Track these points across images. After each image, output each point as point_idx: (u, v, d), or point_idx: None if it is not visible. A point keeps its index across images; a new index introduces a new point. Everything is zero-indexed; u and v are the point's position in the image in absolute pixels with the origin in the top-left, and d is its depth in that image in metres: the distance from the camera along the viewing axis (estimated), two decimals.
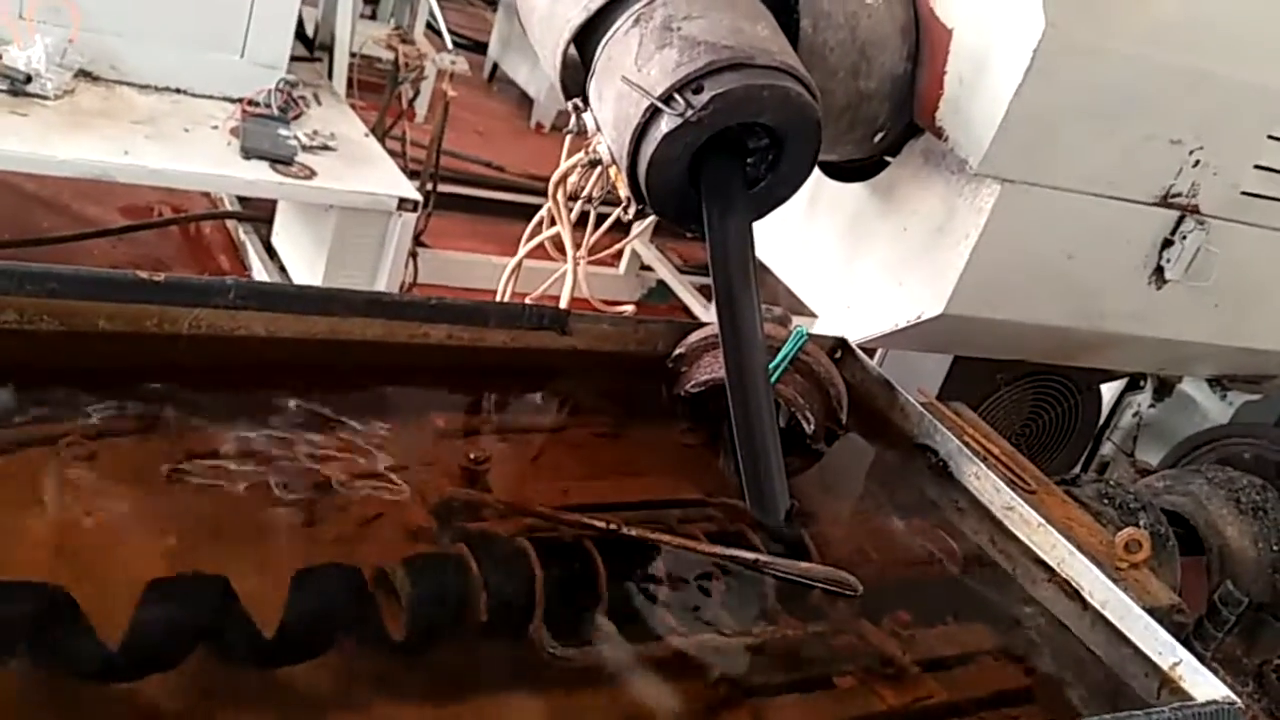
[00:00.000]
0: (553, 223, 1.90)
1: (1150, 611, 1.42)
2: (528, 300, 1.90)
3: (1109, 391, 2.97)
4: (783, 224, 2.09)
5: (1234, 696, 1.30)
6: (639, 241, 4.55)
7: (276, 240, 3.66)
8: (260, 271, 3.63)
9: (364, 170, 3.04)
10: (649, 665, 1.19)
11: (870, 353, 2.01)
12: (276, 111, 3.02)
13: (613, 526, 1.29)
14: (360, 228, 3.05)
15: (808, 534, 1.44)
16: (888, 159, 2.02)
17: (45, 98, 2.69)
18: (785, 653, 1.29)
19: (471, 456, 1.34)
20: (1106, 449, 3.14)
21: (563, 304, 1.83)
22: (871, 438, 1.73)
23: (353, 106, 3.46)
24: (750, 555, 1.35)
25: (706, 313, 4.39)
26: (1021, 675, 1.39)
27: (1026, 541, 1.55)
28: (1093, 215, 1.93)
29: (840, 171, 2.10)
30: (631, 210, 1.65)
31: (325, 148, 3.02)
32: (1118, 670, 1.40)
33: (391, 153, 3.30)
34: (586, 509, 1.32)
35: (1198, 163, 1.94)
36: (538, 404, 1.61)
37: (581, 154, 1.70)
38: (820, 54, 1.77)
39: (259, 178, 2.82)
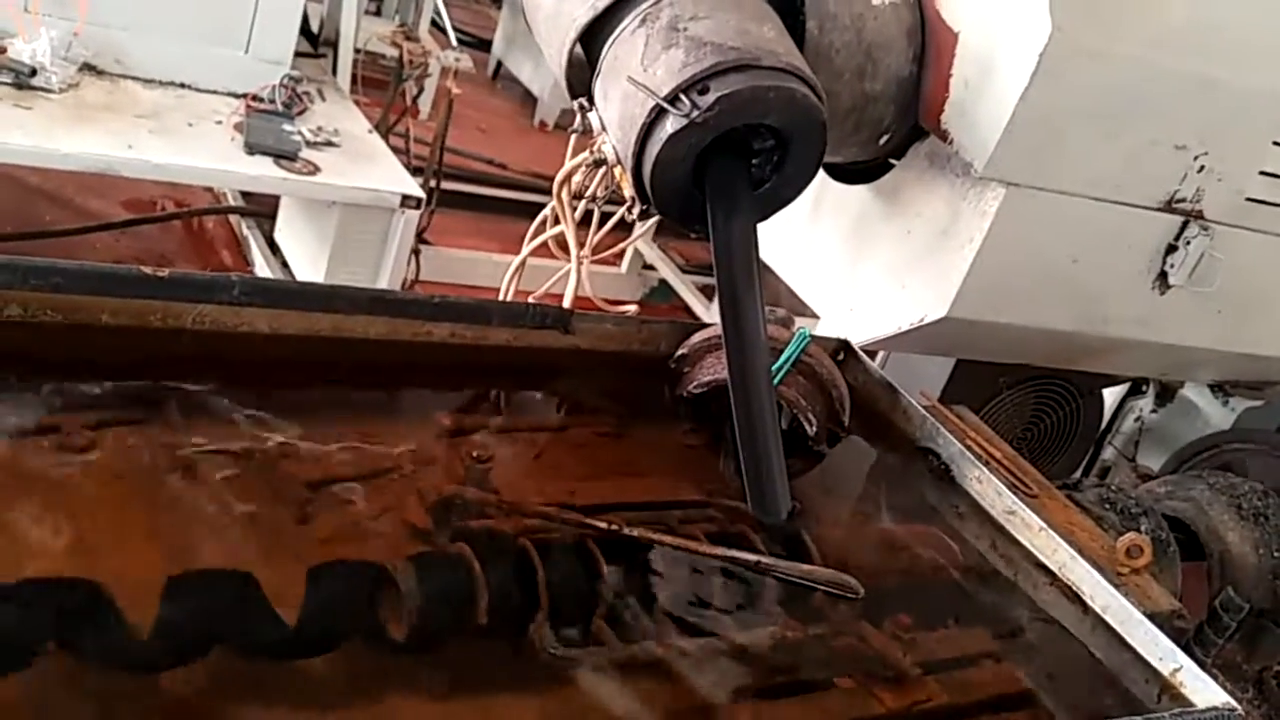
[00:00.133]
0: (556, 221, 1.90)
1: (1151, 617, 1.42)
2: (531, 299, 1.90)
3: (1111, 396, 2.97)
4: (786, 225, 2.09)
5: (1234, 703, 1.30)
6: (641, 240, 4.55)
7: (279, 236, 3.66)
8: (263, 267, 3.63)
9: (367, 167, 3.04)
10: (649, 666, 1.19)
11: (872, 355, 2.01)
12: (281, 107, 3.02)
13: (614, 527, 1.29)
14: (363, 224, 3.05)
15: (809, 536, 1.44)
16: (892, 161, 2.01)
17: (50, 91, 2.69)
18: (786, 655, 1.29)
19: (474, 455, 1.34)
20: (1108, 453, 3.13)
21: (566, 303, 1.83)
22: (873, 440, 1.73)
23: (357, 103, 3.45)
24: (751, 557, 1.35)
25: (708, 312, 4.39)
26: (1022, 679, 1.39)
27: (1028, 546, 1.55)
28: (1097, 220, 1.93)
29: (845, 173, 2.09)
30: (636, 210, 1.65)
31: (329, 144, 3.02)
32: (1118, 675, 1.40)
33: (395, 149, 3.30)
34: (588, 509, 1.32)
35: (1203, 168, 1.94)
36: (540, 403, 1.61)
37: (586, 153, 1.70)
38: (826, 56, 1.77)
39: (262, 173, 2.81)
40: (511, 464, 1.43)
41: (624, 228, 2.03)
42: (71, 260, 1.26)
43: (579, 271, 1.90)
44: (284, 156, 2.85)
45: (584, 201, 1.83)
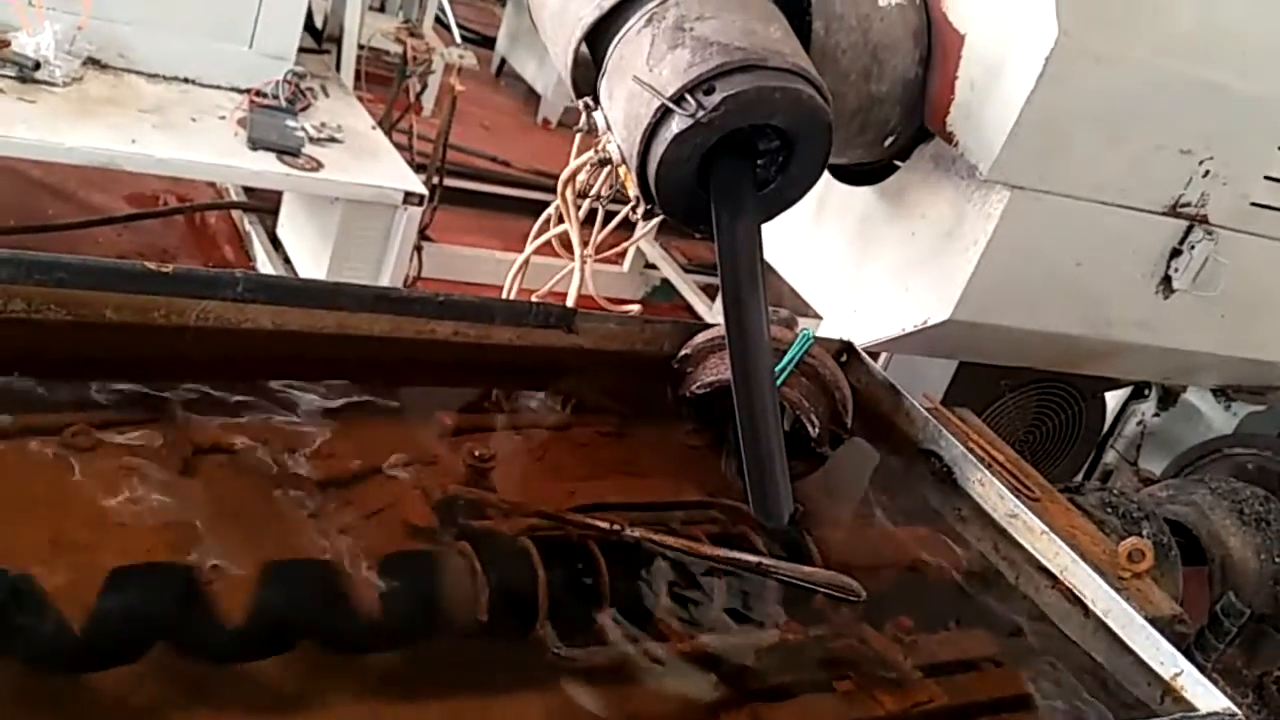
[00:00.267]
0: (560, 220, 1.90)
1: (1152, 621, 1.42)
2: (534, 298, 1.90)
3: (1113, 399, 2.97)
4: (791, 226, 2.08)
5: (1235, 709, 1.30)
6: (643, 239, 4.54)
7: (282, 231, 3.66)
8: (265, 262, 3.62)
9: (370, 163, 3.04)
10: (651, 667, 1.19)
11: (875, 356, 2.01)
12: (284, 103, 3.02)
13: (616, 527, 1.29)
14: (365, 221, 3.05)
15: (811, 538, 1.44)
16: (897, 163, 2.01)
17: (53, 85, 2.69)
18: (786, 656, 1.28)
19: (476, 454, 1.34)
20: (1110, 457, 3.13)
21: (569, 302, 1.83)
22: (876, 442, 1.73)
23: (360, 99, 3.45)
24: (753, 558, 1.35)
25: (710, 311, 4.39)
26: (1022, 683, 1.39)
27: (1030, 549, 1.55)
28: (1101, 223, 1.93)
29: (849, 175, 2.09)
30: (640, 210, 1.65)
31: (332, 140, 3.02)
32: (1119, 679, 1.40)
33: (398, 146, 3.30)
34: (590, 509, 1.32)
35: (1208, 173, 1.93)
36: (543, 402, 1.61)
37: (591, 153, 1.70)
38: (832, 57, 1.77)
39: (265, 169, 2.81)
40: (514, 463, 1.43)
41: (627, 226, 2.03)
42: (74, 255, 1.26)
43: (582, 271, 1.89)
44: (287, 152, 2.85)
45: (588, 200, 1.83)
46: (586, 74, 1.68)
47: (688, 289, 4.70)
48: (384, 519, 1.23)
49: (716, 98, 1.49)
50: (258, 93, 3.00)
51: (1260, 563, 2.17)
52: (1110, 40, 1.76)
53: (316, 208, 3.26)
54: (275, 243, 3.67)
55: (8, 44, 2.66)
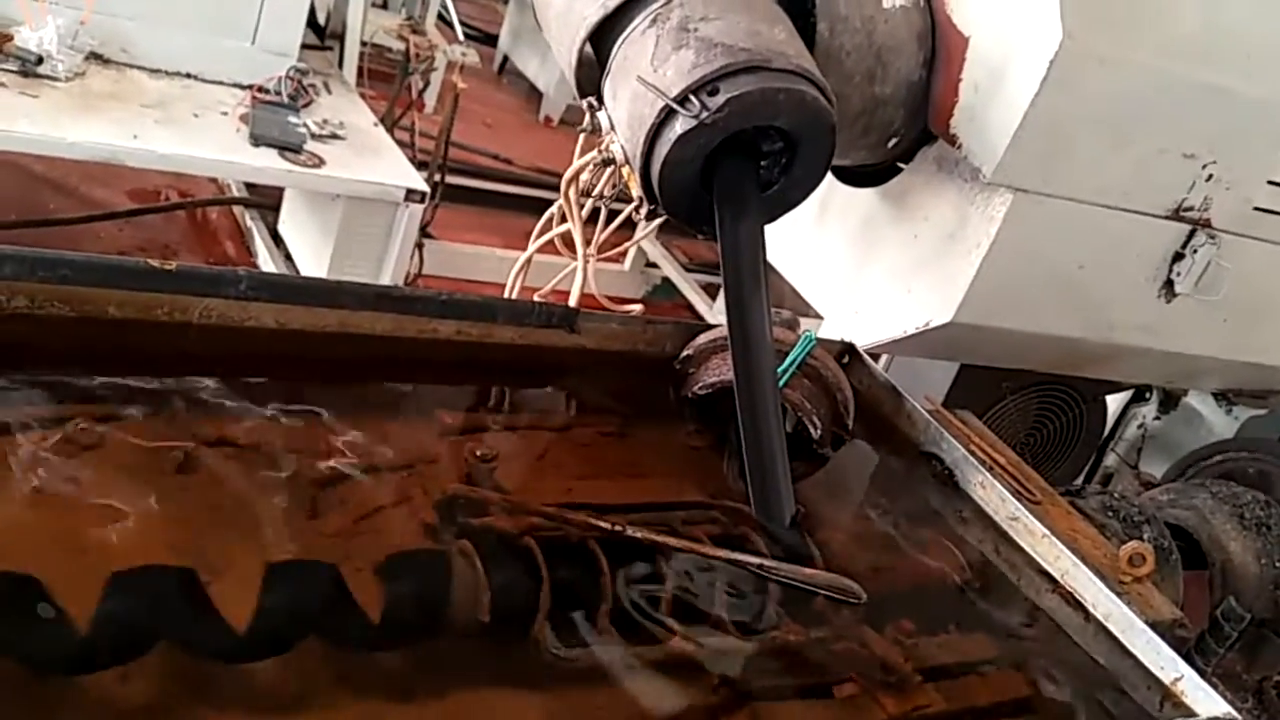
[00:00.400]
0: (563, 219, 1.90)
1: (1153, 626, 1.42)
2: (537, 296, 1.90)
3: (1114, 403, 2.97)
4: (793, 227, 2.08)
5: (1235, 713, 1.30)
6: (645, 238, 4.54)
7: (283, 228, 3.66)
8: (266, 259, 3.62)
9: (372, 160, 3.04)
10: (651, 667, 1.19)
11: (876, 358, 2.00)
12: (286, 99, 3.01)
13: (617, 527, 1.29)
14: (367, 217, 3.04)
15: (812, 539, 1.43)
16: (900, 165, 2.01)
17: (56, 79, 2.68)
18: (787, 658, 1.28)
19: (478, 453, 1.34)
20: (1110, 460, 3.13)
21: (572, 302, 1.83)
22: (877, 444, 1.73)
23: (362, 96, 3.45)
24: (754, 560, 1.35)
25: (710, 310, 4.39)
26: (1023, 686, 1.39)
27: (1030, 552, 1.55)
28: (1104, 227, 1.93)
29: (852, 176, 2.09)
30: (644, 210, 1.65)
31: (334, 136, 3.02)
32: (1119, 683, 1.40)
33: (400, 143, 3.29)
34: (591, 508, 1.32)
35: (1211, 177, 1.93)
36: (545, 402, 1.61)
37: (595, 153, 1.70)
38: (836, 58, 1.77)
39: (267, 165, 2.81)
40: (515, 462, 1.43)
41: (629, 225, 2.03)
42: (78, 252, 1.26)
43: (585, 270, 1.89)
44: (289, 148, 2.85)
45: (591, 200, 1.82)
46: (590, 74, 1.68)
47: (688, 288, 4.70)
48: (385, 518, 1.23)
49: (721, 99, 1.49)
50: (260, 89, 2.99)
51: (1261, 567, 2.17)
52: (1115, 43, 1.76)
53: (318, 204, 3.26)
54: (277, 239, 3.67)
55: (11, 38, 2.66)
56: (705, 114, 1.49)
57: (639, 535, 1.30)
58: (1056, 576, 1.51)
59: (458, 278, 4.15)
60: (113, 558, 1.03)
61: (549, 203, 1.94)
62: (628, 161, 1.61)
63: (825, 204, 2.17)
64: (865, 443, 1.71)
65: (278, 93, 3.01)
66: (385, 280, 3.08)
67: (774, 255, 1.99)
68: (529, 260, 1.98)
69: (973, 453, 1.67)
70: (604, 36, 1.63)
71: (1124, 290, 2.04)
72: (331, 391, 1.41)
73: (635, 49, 1.58)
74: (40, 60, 2.66)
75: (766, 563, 1.35)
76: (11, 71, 2.63)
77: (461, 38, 4.23)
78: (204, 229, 4.11)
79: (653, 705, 1.17)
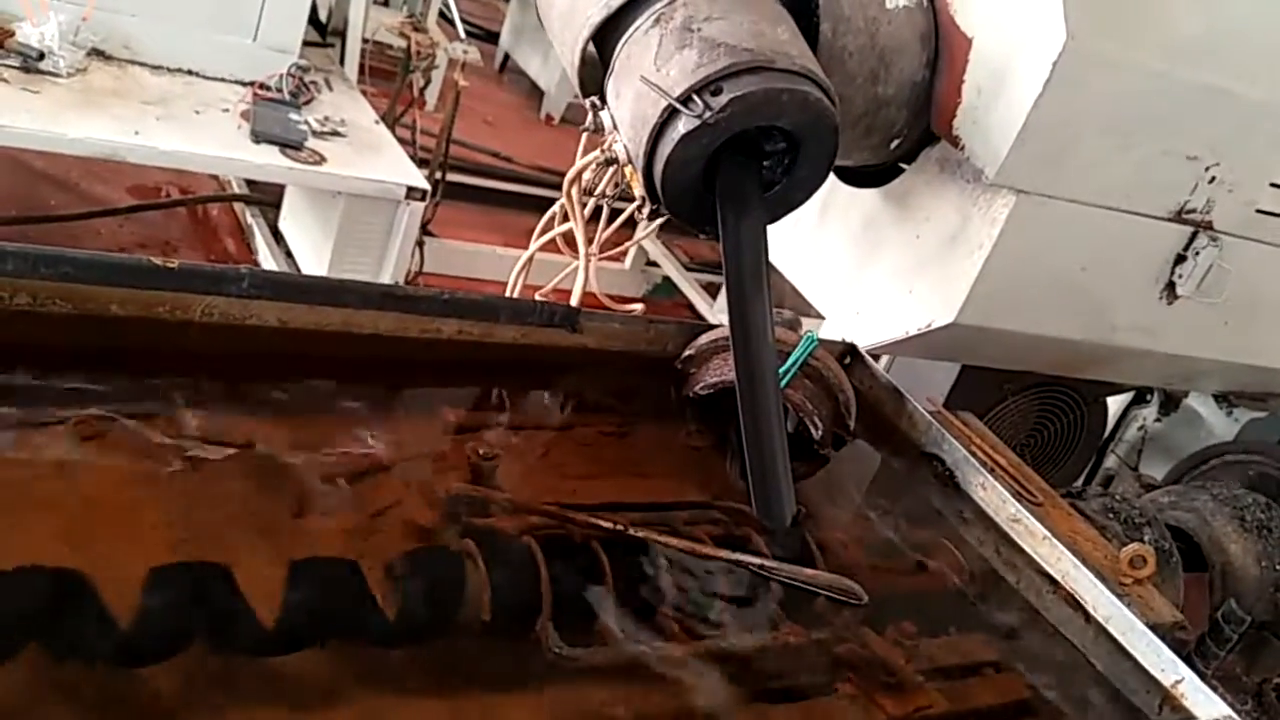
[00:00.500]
0: (565, 218, 1.90)
1: (1153, 628, 1.42)
2: (538, 295, 1.90)
3: (1115, 404, 2.97)
4: (795, 227, 2.08)
5: (1235, 716, 1.31)
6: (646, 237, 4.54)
7: (284, 225, 3.66)
8: (267, 256, 3.62)
9: (373, 158, 3.03)
10: (652, 667, 1.19)
11: (877, 359, 2.00)
12: (288, 96, 3.01)
13: (619, 527, 1.29)
14: (368, 215, 3.04)
15: (813, 540, 1.43)
16: (903, 166, 2.01)
17: (57, 75, 2.68)
18: (787, 659, 1.28)
19: (480, 453, 1.34)
20: (1111, 462, 3.13)
21: (574, 301, 1.82)
22: (879, 445, 1.73)
23: (364, 93, 3.45)
24: (755, 560, 1.35)
25: (711, 310, 4.39)
26: (1023, 688, 1.40)
27: (1031, 554, 1.55)
28: (1106, 229, 1.93)
29: (855, 177, 2.09)
30: (646, 210, 1.64)
31: (335, 134, 3.01)
32: (1119, 686, 1.40)
33: (401, 141, 3.29)
34: (593, 508, 1.32)
35: (1213, 179, 1.93)
36: (546, 401, 1.61)
37: (597, 152, 1.69)
38: (839, 59, 1.77)
39: (268, 162, 2.81)
40: (517, 462, 1.43)
41: (631, 224, 2.02)
42: (80, 249, 1.25)
43: (587, 269, 1.89)
44: (290, 146, 2.85)
45: (593, 199, 1.82)
46: (593, 73, 1.68)
47: (689, 287, 4.70)
48: (388, 517, 1.23)
49: (724, 99, 1.49)
50: (261, 86, 2.99)
51: (1261, 570, 2.17)
52: (1118, 45, 1.76)
53: (319, 201, 3.25)
54: (277, 236, 3.66)
55: (12, 34, 2.65)
56: (708, 114, 1.49)
57: (640, 535, 1.30)
58: (1057, 578, 1.51)
59: (458, 276, 4.15)
60: (113, 557, 1.03)
61: (550, 201, 1.94)
62: (630, 161, 1.61)
63: (827, 204, 2.17)
64: (866, 443, 1.71)
65: (279, 90, 3.00)
66: (385, 278, 3.08)
67: (776, 255, 1.99)
68: (530, 259, 1.97)
69: (974, 454, 1.67)
70: (607, 36, 1.63)
71: (1126, 292, 2.04)
72: (333, 391, 1.41)
73: (638, 48, 1.58)
74: (42, 56, 2.66)
75: (768, 563, 1.35)
76: (13, 67, 2.63)
77: (463, 35, 4.22)
78: (205, 226, 4.10)
79: (653, 705, 1.17)
